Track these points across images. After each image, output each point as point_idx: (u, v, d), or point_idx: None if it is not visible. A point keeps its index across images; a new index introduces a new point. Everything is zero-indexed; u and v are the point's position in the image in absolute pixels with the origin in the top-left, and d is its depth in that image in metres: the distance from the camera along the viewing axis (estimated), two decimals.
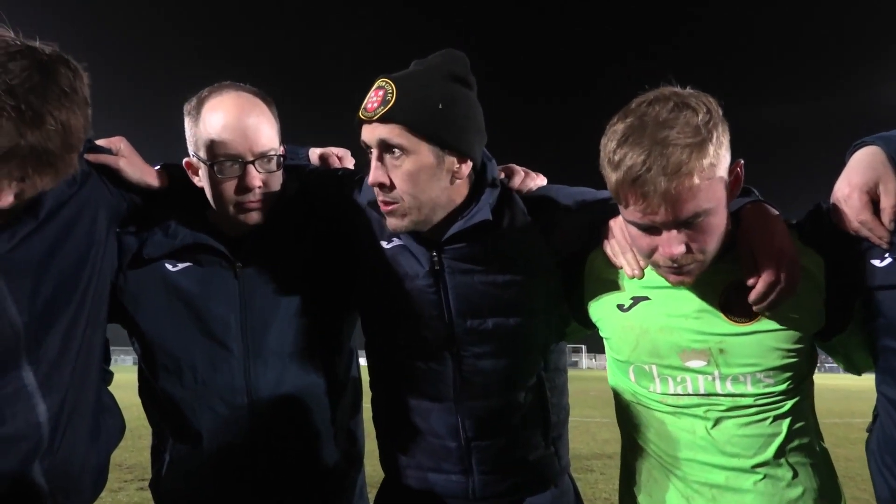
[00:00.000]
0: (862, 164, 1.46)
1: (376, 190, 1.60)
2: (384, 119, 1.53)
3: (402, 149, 1.54)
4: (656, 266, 1.48)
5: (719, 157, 1.35)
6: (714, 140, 1.33)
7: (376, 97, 1.54)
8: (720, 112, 1.38)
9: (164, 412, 1.83)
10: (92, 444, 1.70)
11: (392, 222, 1.62)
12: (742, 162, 1.44)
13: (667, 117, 1.33)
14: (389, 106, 1.52)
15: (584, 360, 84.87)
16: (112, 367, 1.91)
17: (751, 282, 1.44)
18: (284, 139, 1.85)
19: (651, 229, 1.40)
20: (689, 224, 1.36)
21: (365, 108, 1.56)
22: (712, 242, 1.41)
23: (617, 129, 1.38)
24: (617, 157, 1.35)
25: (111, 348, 1.87)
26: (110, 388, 1.87)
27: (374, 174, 1.57)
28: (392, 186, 1.57)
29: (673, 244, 1.39)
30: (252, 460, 1.78)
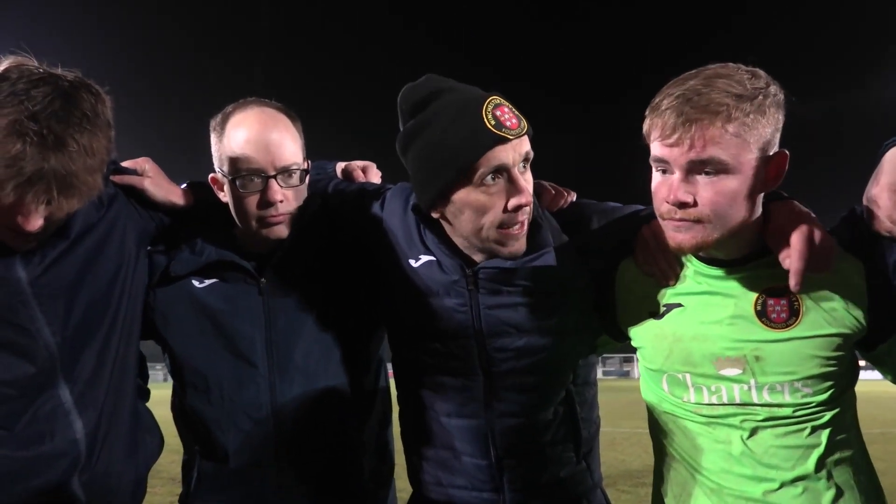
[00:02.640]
0: (892, 163, 1.41)
1: (522, 210, 1.53)
2: (524, 132, 1.52)
3: (528, 160, 1.55)
4: (662, 220, 1.44)
5: (756, 122, 1.31)
6: (755, 102, 1.31)
7: (507, 114, 1.50)
8: (780, 96, 1.36)
9: (191, 428, 1.85)
10: (129, 459, 1.73)
11: (518, 245, 1.58)
12: (787, 153, 1.39)
13: (723, 72, 1.34)
14: (523, 119, 1.52)
15: (636, 369, 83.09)
16: (158, 383, 1.94)
17: (785, 261, 1.38)
18: (315, 156, 1.86)
19: (667, 169, 1.38)
20: (702, 171, 1.34)
21: (505, 127, 1.48)
22: (722, 208, 1.36)
23: (672, 80, 1.38)
24: (658, 98, 1.37)
25: (157, 364, 1.90)
26: (157, 401, 1.90)
27: (527, 193, 1.52)
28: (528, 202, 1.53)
29: (680, 189, 1.36)
30: (279, 477, 1.78)
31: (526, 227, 1.57)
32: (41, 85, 1.33)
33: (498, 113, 1.49)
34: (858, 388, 1.55)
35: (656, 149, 1.38)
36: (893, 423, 14.52)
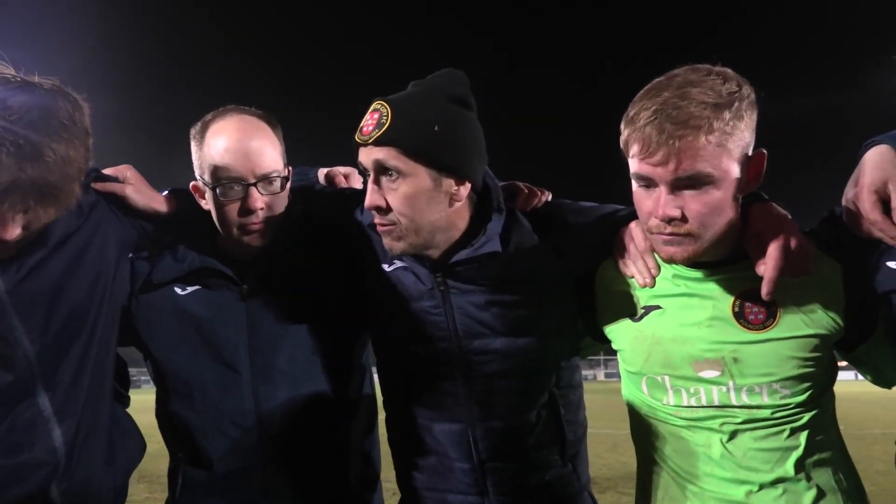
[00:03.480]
0: (870, 163, 1.41)
1: (373, 212, 1.60)
2: (379, 142, 1.52)
3: (398, 171, 1.53)
4: (650, 234, 1.44)
5: (735, 128, 1.31)
6: (733, 109, 1.30)
7: (372, 119, 1.53)
8: (752, 95, 1.35)
9: (176, 435, 1.84)
10: (108, 466, 1.73)
11: (388, 243, 1.60)
12: (765, 153, 1.39)
13: (694, 79, 1.32)
14: (385, 129, 1.51)
15: None
16: (143, 390, 1.94)
17: (760, 268, 1.38)
18: (299, 160, 1.85)
19: (650, 184, 1.37)
20: (687, 186, 1.33)
21: (360, 131, 1.55)
22: (710, 219, 1.36)
23: (645, 88, 1.37)
24: (633, 111, 1.35)
25: (140, 370, 1.89)
26: (144, 409, 1.89)
27: (371, 197, 1.56)
28: (388, 209, 1.56)
29: (668, 205, 1.35)
30: (265, 483, 1.78)
31: (394, 232, 1.57)
32: (18, 94, 1.32)
33: (367, 116, 1.55)
34: (860, 388, 1.55)
35: (638, 166, 1.36)
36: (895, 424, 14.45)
